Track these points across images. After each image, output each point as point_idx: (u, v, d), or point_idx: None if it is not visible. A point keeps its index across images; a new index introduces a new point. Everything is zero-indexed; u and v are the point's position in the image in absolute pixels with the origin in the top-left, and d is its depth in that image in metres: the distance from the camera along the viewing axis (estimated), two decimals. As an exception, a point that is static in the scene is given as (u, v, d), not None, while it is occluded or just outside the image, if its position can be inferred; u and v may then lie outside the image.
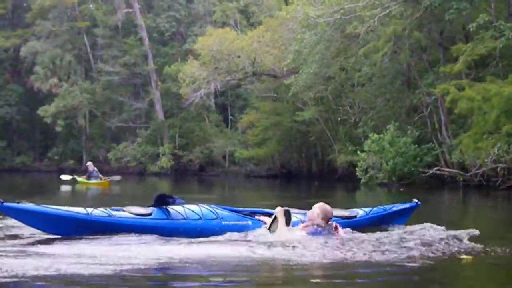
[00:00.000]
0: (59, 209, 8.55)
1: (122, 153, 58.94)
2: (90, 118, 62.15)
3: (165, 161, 55.99)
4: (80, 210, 8.64)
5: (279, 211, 8.79)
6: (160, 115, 58.72)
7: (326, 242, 8.11)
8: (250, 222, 9.12)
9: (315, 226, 8.77)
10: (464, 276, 6.65)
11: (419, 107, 36.46)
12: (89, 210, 8.63)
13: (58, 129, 59.64)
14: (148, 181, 45.49)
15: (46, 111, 58.52)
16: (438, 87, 31.35)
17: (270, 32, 45.01)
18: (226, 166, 56.17)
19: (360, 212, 10.37)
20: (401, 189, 31.81)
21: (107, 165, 59.39)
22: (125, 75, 59.78)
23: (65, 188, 29.84)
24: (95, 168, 34.41)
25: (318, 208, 9.04)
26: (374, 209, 10.59)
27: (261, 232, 8.75)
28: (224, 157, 56.29)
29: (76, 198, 21.94)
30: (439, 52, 34.93)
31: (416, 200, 10.85)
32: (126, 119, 60.43)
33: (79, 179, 34.38)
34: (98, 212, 8.61)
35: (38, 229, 8.51)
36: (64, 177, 35.53)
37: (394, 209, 10.77)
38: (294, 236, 8.40)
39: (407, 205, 10.82)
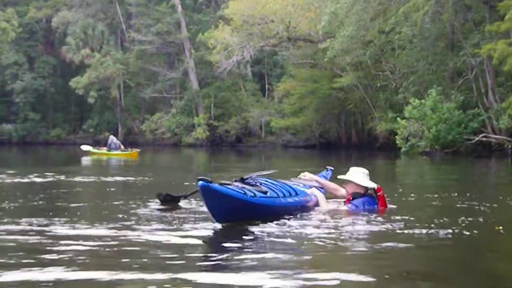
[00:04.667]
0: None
1: (156, 125, 57.80)
2: (124, 89, 61.08)
3: (200, 132, 54.68)
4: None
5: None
6: (194, 84, 57.26)
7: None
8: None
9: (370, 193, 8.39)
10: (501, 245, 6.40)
11: (463, 70, 34.60)
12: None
13: (91, 100, 58.70)
14: (183, 153, 44.36)
15: (78, 83, 57.61)
16: (484, 47, 29.43)
17: (305, -7, 43.03)
18: (262, 136, 54.66)
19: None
20: (424, 157, 30.38)
21: (142, 136, 58.51)
22: (159, 44, 58.31)
23: (86, 159, 28.90)
24: (114, 140, 33.82)
25: (362, 171, 8.46)
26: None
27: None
28: (260, 127, 54.79)
29: (112, 170, 20.98)
30: (484, 11, 32.93)
31: (329, 167, 10.93)
32: (160, 90, 59.14)
33: (94, 150, 34.18)
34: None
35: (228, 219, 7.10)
36: (85, 147, 34.89)
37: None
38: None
39: (330, 173, 10.79)
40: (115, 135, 50.88)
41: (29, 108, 63.00)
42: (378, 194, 8.31)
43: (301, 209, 8.05)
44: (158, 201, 9.04)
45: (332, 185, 9.02)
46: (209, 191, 6.73)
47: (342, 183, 8.67)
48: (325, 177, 10.28)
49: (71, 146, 55.65)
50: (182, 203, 8.94)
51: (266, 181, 8.19)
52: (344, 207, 8.25)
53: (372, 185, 8.37)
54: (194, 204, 8.92)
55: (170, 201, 8.97)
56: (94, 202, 10.10)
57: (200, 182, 6.67)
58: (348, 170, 8.66)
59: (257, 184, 7.82)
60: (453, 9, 32.54)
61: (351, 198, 8.34)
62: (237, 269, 4.84)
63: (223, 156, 38.68)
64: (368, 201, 8.30)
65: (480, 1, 32.83)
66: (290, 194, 8.02)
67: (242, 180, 7.73)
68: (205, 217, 7.55)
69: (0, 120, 63.84)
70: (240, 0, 45.87)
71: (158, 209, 8.46)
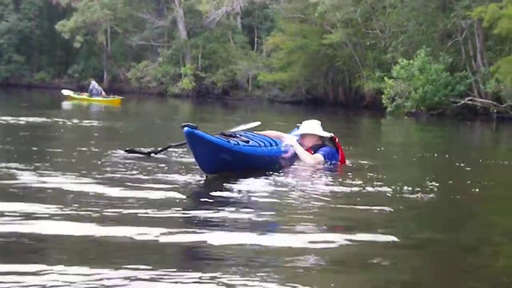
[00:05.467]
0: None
1: (142, 73, 57.00)
2: (111, 35, 60.04)
3: (186, 83, 54.01)
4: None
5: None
6: (182, 34, 56.42)
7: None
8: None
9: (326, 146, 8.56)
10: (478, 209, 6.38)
11: (453, 32, 34.32)
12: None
13: (76, 45, 57.63)
14: (168, 102, 44.10)
15: (64, 26, 56.56)
16: (475, 9, 29.13)
17: None
18: (249, 90, 54.19)
19: None
20: (406, 117, 30.39)
21: (127, 84, 57.90)
22: (148, -10, 57.29)
23: (66, 104, 28.57)
24: (95, 85, 33.27)
25: (317, 123, 8.69)
26: None
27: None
28: (248, 80, 54.29)
29: (91, 116, 20.60)
30: (478, -28, 32.42)
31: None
32: (147, 37, 58.09)
33: (75, 95, 33.74)
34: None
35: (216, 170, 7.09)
36: (66, 92, 34.31)
37: None
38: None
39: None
40: (100, 81, 50.42)
41: (13, 49, 61.52)
42: (337, 142, 8.61)
43: (283, 159, 8.12)
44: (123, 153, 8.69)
45: (273, 134, 8.86)
46: (194, 137, 6.66)
47: (301, 137, 8.66)
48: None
49: (55, 90, 54.85)
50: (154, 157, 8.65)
51: (246, 133, 8.18)
52: (319, 156, 8.32)
53: (329, 134, 8.62)
54: (170, 156, 8.70)
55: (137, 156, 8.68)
56: (66, 148, 9.83)
57: (186, 128, 6.60)
58: (301, 125, 8.83)
59: (237, 136, 7.78)
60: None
61: (312, 152, 8.43)
62: (217, 226, 4.63)
63: (209, 107, 38.43)
64: (332, 151, 8.50)
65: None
66: (271, 144, 8.05)
67: (222, 134, 7.60)
68: (180, 169, 7.37)
69: (-18, 60, 62.72)
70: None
71: (132, 159, 8.19)
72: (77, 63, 62.35)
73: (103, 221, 4.55)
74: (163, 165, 7.73)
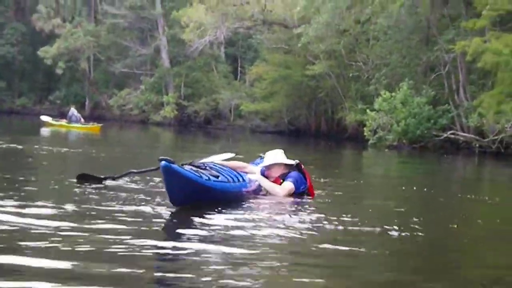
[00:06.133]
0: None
1: (124, 100, 56.78)
2: (94, 62, 59.89)
3: (168, 111, 53.86)
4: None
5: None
6: (165, 62, 56.34)
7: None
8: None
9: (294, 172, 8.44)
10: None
11: (436, 65, 34.42)
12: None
13: (59, 71, 57.37)
14: (150, 130, 43.71)
15: (46, 52, 56.32)
16: (459, 43, 29.17)
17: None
18: (231, 119, 54.05)
19: None
20: (386, 150, 30.27)
21: (109, 111, 57.57)
22: (131, 18, 57.13)
23: (45, 130, 28.22)
24: (74, 112, 33.14)
25: (281, 152, 8.66)
26: None
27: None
28: (230, 110, 54.18)
29: (67, 143, 20.13)
30: (461, 7, 32.67)
31: (263, 155, 9.54)
32: (130, 65, 57.96)
33: (53, 122, 33.48)
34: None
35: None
36: (45, 118, 34.06)
37: None
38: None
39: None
40: (82, 108, 50.05)
41: (-5, 75, 61.44)
42: (303, 169, 8.52)
43: (248, 192, 8.11)
44: (76, 180, 8.34)
45: (238, 164, 8.72)
46: (170, 172, 6.62)
47: (268, 168, 8.56)
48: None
49: (36, 116, 54.34)
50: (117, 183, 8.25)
51: (214, 165, 8.03)
52: (288, 184, 8.19)
53: (294, 162, 8.56)
54: (140, 184, 8.36)
55: (91, 181, 8.34)
56: (29, 177, 9.32)
57: (163, 162, 6.59)
58: (264, 155, 8.77)
59: (207, 168, 7.64)
60: (430, 3, 32.27)
61: (281, 180, 8.36)
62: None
63: (191, 136, 38.20)
64: (300, 177, 8.39)
65: (457, -4, 32.65)
66: (238, 179, 8.00)
67: (192, 164, 7.45)
68: (146, 199, 7.05)
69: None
70: (216, -21, 45.19)
71: (95, 188, 7.81)
72: (59, 90, 62.19)
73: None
74: (126, 194, 7.36)
